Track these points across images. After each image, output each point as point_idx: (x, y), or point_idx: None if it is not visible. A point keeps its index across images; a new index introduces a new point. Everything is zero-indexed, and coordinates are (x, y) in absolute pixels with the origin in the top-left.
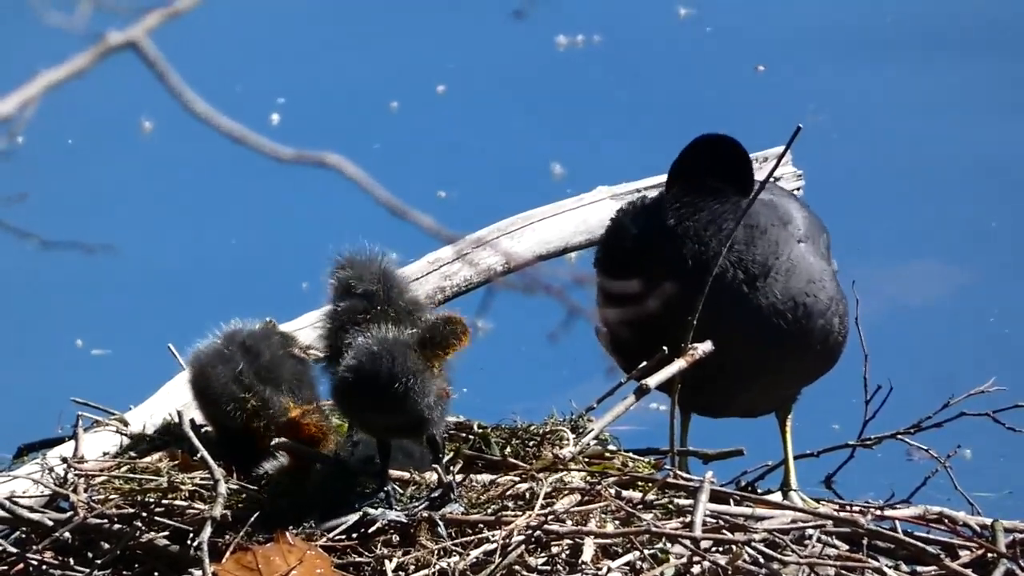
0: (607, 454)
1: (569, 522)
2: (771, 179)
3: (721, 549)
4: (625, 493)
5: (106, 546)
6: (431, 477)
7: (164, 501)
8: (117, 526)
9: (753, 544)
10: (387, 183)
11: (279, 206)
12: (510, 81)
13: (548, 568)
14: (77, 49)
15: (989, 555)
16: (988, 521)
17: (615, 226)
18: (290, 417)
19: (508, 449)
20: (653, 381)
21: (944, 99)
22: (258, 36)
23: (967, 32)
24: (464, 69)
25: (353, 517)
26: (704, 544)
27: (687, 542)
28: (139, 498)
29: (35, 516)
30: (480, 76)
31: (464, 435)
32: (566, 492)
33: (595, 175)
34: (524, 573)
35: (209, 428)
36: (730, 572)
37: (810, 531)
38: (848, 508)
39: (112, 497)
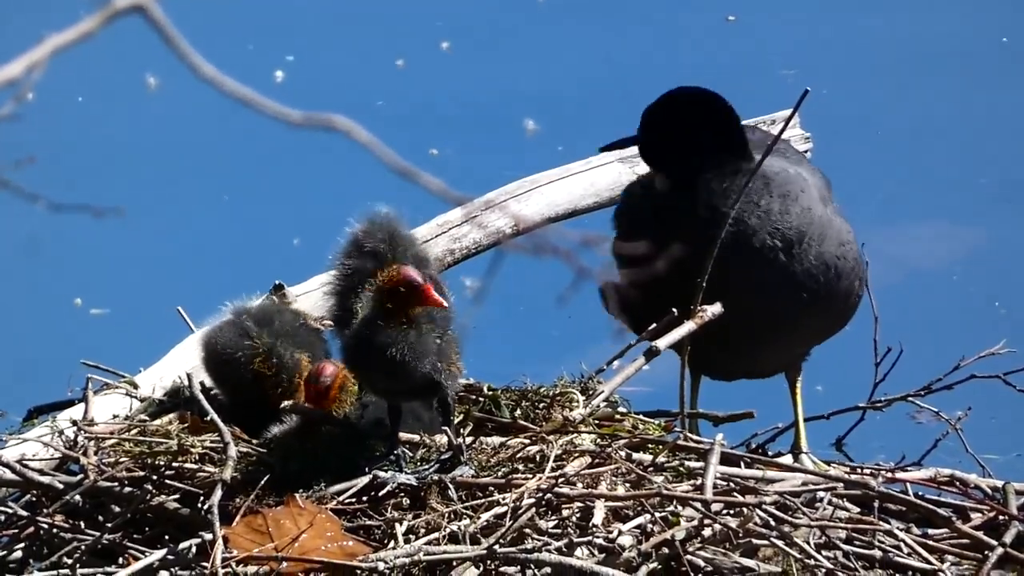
0: (617, 416)
1: (580, 485)
2: (781, 141)
3: (732, 512)
4: (635, 456)
5: (117, 509)
6: (441, 440)
7: (174, 464)
8: (128, 489)
9: (764, 507)
10: (390, 140)
11: (289, 168)
12: (504, 37)
13: (559, 531)
14: (84, 13)
15: (1000, 517)
16: (999, 483)
17: (632, 201)
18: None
19: (518, 411)
20: (663, 343)
21: (949, 57)
22: None
23: None
24: (455, 26)
25: (363, 480)
26: (715, 507)
27: (698, 505)
28: (149, 461)
29: (45, 479)
30: (475, 32)
31: (474, 397)
32: (576, 455)
33: (595, 137)
34: (535, 536)
35: (218, 392)
36: (741, 535)
37: (821, 494)
38: (859, 471)
39: (122, 460)
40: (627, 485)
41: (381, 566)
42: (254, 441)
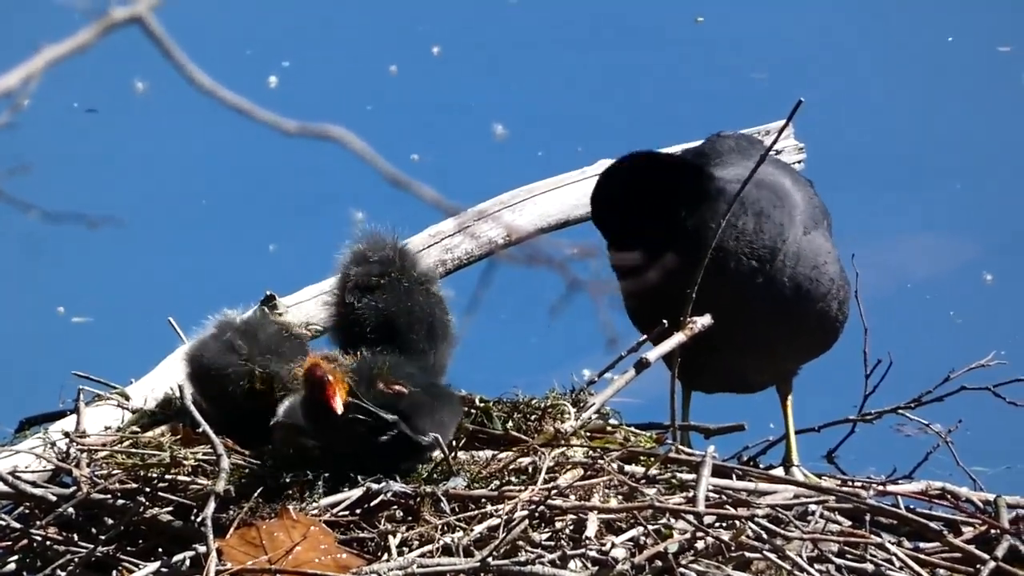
0: (609, 428)
1: (572, 497)
2: (774, 154)
3: (725, 525)
4: (628, 468)
5: (110, 521)
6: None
7: (167, 476)
8: (120, 501)
9: (756, 519)
10: (378, 146)
11: (280, 177)
12: (484, 44)
13: (552, 543)
14: (81, 24)
15: (992, 531)
16: (991, 497)
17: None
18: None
19: (510, 423)
20: (653, 355)
21: (941, 73)
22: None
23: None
24: (443, 32)
25: (357, 492)
26: (707, 519)
27: (690, 517)
28: (142, 473)
29: (38, 491)
30: (462, 39)
31: (466, 409)
32: (569, 467)
33: (575, 143)
34: (528, 548)
35: (207, 406)
36: (734, 548)
37: (813, 507)
38: (850, 483)
39: (115, 472)
40: (620, 497)
41: None
42: (247, 453)
